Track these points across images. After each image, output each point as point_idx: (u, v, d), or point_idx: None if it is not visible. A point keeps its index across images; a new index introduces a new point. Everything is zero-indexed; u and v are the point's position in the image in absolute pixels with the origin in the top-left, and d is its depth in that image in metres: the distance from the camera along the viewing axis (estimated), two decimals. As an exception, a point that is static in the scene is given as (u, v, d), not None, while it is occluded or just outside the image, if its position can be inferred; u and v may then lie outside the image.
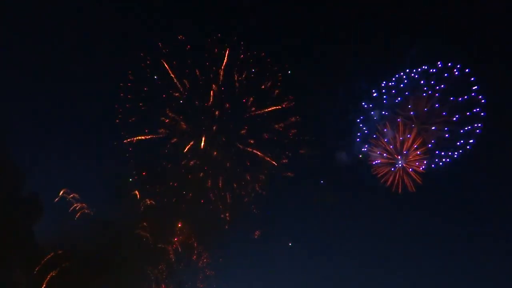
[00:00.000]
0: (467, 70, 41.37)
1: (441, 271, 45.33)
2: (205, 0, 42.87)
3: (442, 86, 41.84)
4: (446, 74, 41.77)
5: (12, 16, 39.08)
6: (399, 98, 43.74)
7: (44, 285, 36.61)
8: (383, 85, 44.39)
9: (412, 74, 43.19)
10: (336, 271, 44.12)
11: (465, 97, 41.45)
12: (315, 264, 43.82)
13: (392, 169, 43.47)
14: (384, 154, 43.79)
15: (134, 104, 40.03)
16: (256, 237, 40.68)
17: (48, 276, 36.56)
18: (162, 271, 39.83)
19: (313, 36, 43.06)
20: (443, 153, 43.15)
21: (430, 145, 42.87)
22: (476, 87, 40.94)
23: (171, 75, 38.99)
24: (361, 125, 44.76)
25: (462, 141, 42.17)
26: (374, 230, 44.70)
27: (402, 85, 43.54)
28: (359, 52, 43.36)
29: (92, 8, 40.77)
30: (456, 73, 41.49)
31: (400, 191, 43.43)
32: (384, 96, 44.21)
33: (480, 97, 41.15)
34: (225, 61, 39.09)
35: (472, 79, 41.30)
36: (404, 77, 43.42)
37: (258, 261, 42.45)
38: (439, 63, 42.04)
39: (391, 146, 43.51)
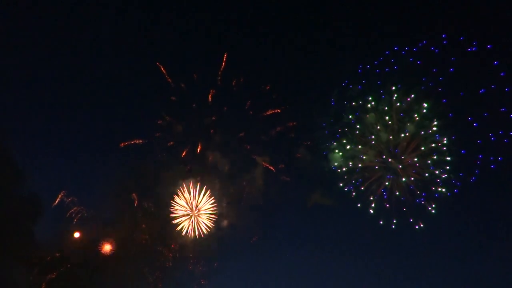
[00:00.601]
0: (488, 46, 26.62)
1: (442, 272, 41.66)
2: (204, 1, 42.85)
3: (451, 70, 27.22)
4: (453, 58, 27.40)
5: (12, 16, 40.82)
6: (381, 91, 28.77)
7: (43, 287, 37.39)
8: (359, 70, 29.61)
9: (403, 53, 28.14)
10: (336, 275, 42.86)
11: (483, 90, 27.35)
12: (314, 267, 42.86)
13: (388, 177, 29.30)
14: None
15: (132, 107, 40.28)
16: (252, 242, 40.22)
17: (47, 278, 37.30)
18: (159, 277, 39.94)
19: (313, 38, 41.86)
20: (452, 180, 27.62)
21: (432, 167, 27.90)
22: (502, 73, 26.96)
23: (168, 79, 39.17)
24: (326, 131, 31.15)
25: (480, 156, 27.40)
26: (373, 231, 42.75)
27: (387, 70, 28.69)
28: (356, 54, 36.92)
29: (91, 9, 42.45)
30: (473, 49, 26.69)
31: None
32: (359, 87, 29.10)
33: (507, 90, 26.94)
34: (223, 64, 39.39)
35: (495, 62, 27.17)
36: (392, 60, 28.49)
37: (257, 264, 41.95)
38: (444, 36, 26.92)
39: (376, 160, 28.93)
